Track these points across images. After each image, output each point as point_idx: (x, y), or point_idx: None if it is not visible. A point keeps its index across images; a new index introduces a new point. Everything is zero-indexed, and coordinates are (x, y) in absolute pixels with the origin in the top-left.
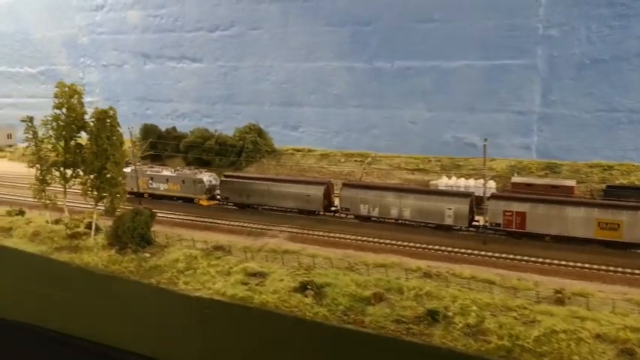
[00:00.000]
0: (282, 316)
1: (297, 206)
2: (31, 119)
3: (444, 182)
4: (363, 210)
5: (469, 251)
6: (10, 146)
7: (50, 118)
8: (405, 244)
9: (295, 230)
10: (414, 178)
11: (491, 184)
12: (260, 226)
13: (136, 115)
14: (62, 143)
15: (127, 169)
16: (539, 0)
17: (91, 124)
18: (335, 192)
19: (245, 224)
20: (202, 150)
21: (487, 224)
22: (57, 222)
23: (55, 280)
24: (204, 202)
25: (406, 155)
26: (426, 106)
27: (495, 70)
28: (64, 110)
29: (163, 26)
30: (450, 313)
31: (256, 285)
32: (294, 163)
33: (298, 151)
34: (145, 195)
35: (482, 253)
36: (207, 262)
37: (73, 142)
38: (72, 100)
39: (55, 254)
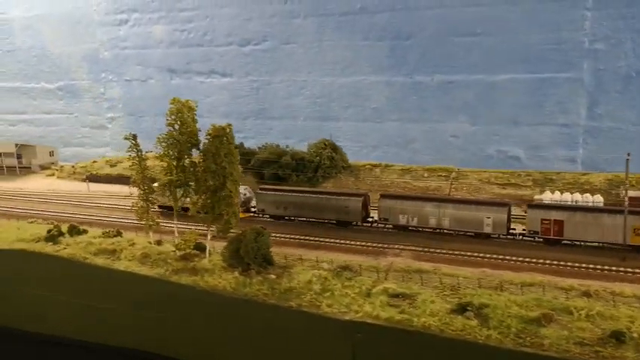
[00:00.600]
0: (449, 340)
1: (335, 218)
2: (134, 137)
3: (548, 197)
4: (402, 220)
5: (613, 268)
6: (53, 164)
7: (165, 135)
8: (542, 261)
9: (413, 248)
10: (506, 192)
11: (599, 198)
12: (375, 245)
13: (161, 131)
14: (175, 161)
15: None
16: (584, 14)
17: (206, 141)
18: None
19: (355, 242)
20: (278, 166)
21: (525, 232)
22: (159, 243)
23: (173, 304)
24: (241, 215)
25: (493, 170)
26: (468, 120)
27: (540, 83)
28: (176, 127)
29: (191, 41)
30: (635, 334)
31: (407, 307)
32: (374, 178)
33: (375, 166)
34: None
35: (622, 269)
36: (340, 282)
37: (187, 161)
38: (185, 116)
39: (173, 277)
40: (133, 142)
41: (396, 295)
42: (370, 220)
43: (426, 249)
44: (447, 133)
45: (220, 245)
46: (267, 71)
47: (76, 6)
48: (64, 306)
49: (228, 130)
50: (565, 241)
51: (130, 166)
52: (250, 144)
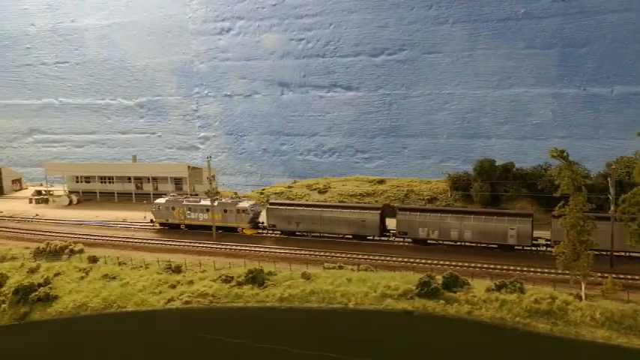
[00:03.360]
0: None
1: (352, 232)
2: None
3: None
4: (422, 233)
5: None
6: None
7: None
8: None
9: None
10: None
11: None
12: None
13: (266, 151)
14: None
15: (160, 200)
16: None
17: None
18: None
19: None
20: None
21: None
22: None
23: None
24: (248, 232)
25: None
26: None
27: None
28: None
29: (309, 51)
30: None
31: None
32: None
33: None
34: (182, 226)
35: None
36: None
37: None
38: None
39: None
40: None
41: None
42: (387, 234)
43: None
44: (629, 150)
45: None
46: (404, 84)
47: (167, 14)
48: None
49: None
50: None
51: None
52: (378, 165)
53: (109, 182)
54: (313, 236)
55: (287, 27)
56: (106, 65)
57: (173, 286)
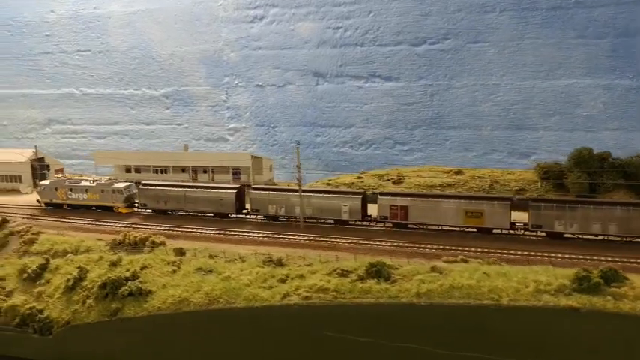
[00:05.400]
0: None
1: (212, 210)
2: None
3: None
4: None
5: None
6: (271, 180)
7: None
8: None
9: None
10: None
11: None
12: None
13: (299, 143)
14: None
15: (44, 182)
16: None
17: None
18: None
19: None
20: None
21: None
22: None
23: None
24: (124, 210)
25: None
26: None
27: None
28: None
29: (347, 40)
30: None
31: None
32: None
33: None
34: (65, 206)
35: None
36: None
37: None
38: None
39: None
40: None
41: None
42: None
43: None
44: None
45: None
46: (447, 74)
47: (196, 0)
48: None
49: None
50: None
51: None
52: (417, 157)
53: (163, 172)
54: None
55: (324, 15)
56: (130, 54)
57: (283, 280)
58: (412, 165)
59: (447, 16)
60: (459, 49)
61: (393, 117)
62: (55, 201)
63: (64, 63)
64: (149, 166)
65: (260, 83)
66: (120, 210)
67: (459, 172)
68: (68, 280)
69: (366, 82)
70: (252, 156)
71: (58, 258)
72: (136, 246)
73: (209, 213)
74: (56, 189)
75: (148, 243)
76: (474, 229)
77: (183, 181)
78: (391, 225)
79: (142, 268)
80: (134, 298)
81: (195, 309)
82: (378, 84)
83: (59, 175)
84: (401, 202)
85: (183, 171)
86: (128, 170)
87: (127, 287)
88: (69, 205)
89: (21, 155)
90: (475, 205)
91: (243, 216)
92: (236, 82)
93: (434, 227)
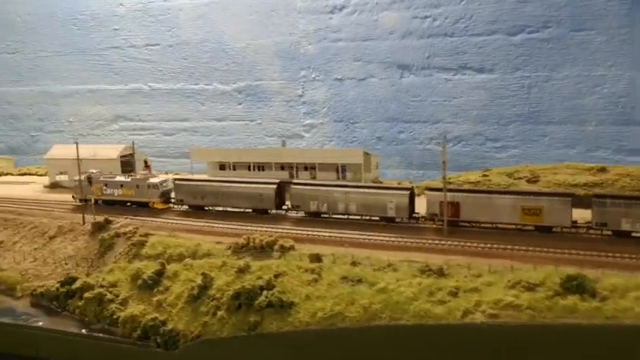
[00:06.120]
0: None
1: (251, 206)
2: None
3: None
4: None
5: None
6: (377, 178)
7: None
8: None
9: None
10: None
11: None
12: None
13: (380, 139)
14: None
15: (78, 177)
16: None
17: None
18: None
19: None
20: None
21: None
22: None
23: None
24: (159, 206)
25: None
26: None
27: None
28: None
29: (435, 30)
30: None
31: None
32: None
33: None
34: (99, 201)
35: None
36: None
37: None
38: None
39: None
40: None
41: None
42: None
43: None
44: None
45: None
46: (547, 65)
47: None
48: None
49: None
50: None
51: None
52: (511, 154)
53: (260, 169)
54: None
55: (410, 4)
56: (201, 47)
57: (454, 294)
58: (504, 163)
59: (549, 2)
60: (560, 37)
61: (485, 111)
62: (89, 196)
63: (132, 57)
64: (246, 163)
65: (339, 77)
66: (155, 206)
67: (602, 170)
68: (192, 288)
69: (456, 75)
70: (364, 152)
71: (173, 263)
72: (263, 250)
73: (247, 209)
74: (90, 184)
75: (276, 247)
76: (532, 227)
77: (282, 179)
78: (441, 223)
79: (276, 276)
80: (274, 311)
81: (351, 325)
82: (468, 76)
83: (145, 172)
84: (452, 197)
85: (283, 168)
86: (222, 167)
87: (264, 298)
88: (103, 201)
89: (115, 150)
90: (533, 201)
91: (283, 212)
92: (313, 75)
93: (486, 225)
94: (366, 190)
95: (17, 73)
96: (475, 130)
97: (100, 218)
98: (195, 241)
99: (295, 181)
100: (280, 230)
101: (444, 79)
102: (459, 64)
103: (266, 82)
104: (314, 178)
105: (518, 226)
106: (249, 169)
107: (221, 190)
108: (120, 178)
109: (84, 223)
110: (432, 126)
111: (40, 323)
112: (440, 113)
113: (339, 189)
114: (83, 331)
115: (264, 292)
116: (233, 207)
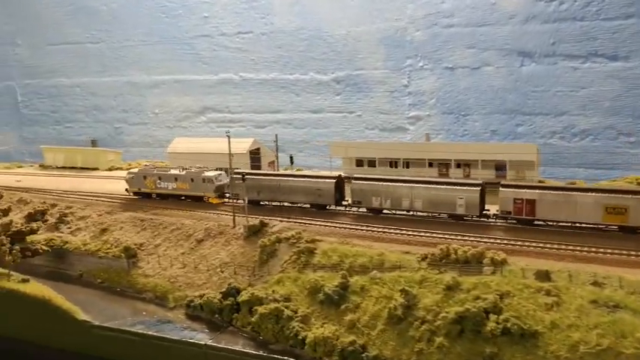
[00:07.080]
0: None
1: (309, 201)
2: None
3: None
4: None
5: None
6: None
7: None
8: None
9: None
10: None
11: None
12: None
13: (495, 133)
14: None
15: (133, 170)
16: None
17: None
18: None
19: None
20: None
21: None
22: None
23: None
24: (214, 200)
25: None
26: None
27: None
28: None
29: (563, 13)
30: None
31: None
32: None
33: None
34: (154, 195)
35: None
36: None
37: None
38: None
39: None
40: None
41: None
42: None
43: None
44: None
45: None
46: None
47: None
48: None
49: None
50: None
51: None
52: None
53: (405, 166)
54: None
55: None
56: (297, 35)
57: None
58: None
59: None
60: None
61: (619, 103)
62: (143, 190)
63: (222, 46)
64: (388, 159)
65: (450, 65)
66: (210, 200)
67: None
68: (395, 307)
69: (585, 63)
70: (538, 148)
71: (355, 275)
72: (468, 264)
73: (305, 204)
74: (144, 177)
75: (485, 261)
76: (615, 228)
77: (426, 177)
78: (515, 221)
79: (500, 297)
80: (512, 340)
81: None
82: (600, 64)
83: (269, 168)
84: (527, 194)
85: (431, 165)
86: (359, 163)
87: (495, 324)
88: (157, 195)
89: (245, 143)
90: (618, 199)
91: (344, 209)
92: (420, 64)
93: (564, 224)
94: (433, 186)
95: (101, 63)
96: (606, 124)
97: (255, 220)
98: (376, 250)
99: (356, 175)
100: (485, 240)
101: (570, 68)
102: (588, 51)
103: (367, 72)
104: (468, 176)
105: (600, 226)
106: (390, 166)
107: (278, 184)
108: (174, 172)
109: (235, 226)
110: (555, 119)
111: (210, 341)
112: (565, 105)
113: (404, 184)
114: (262, 352)
115: (493, 317)
116: (290, 202)
